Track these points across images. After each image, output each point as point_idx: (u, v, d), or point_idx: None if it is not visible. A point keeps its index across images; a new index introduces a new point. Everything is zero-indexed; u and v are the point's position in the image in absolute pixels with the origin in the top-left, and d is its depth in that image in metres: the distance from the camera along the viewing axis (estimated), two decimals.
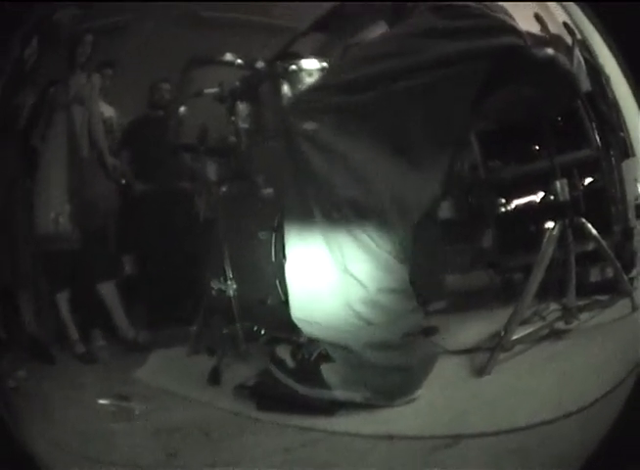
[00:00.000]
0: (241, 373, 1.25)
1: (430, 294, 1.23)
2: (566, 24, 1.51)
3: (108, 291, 1.34)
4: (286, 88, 1.21)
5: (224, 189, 1.24)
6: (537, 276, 1.28)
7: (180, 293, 1.26)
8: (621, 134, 1.52)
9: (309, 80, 1.22)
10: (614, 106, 1.52)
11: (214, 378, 1.24)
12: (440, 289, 1.25)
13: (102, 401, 1.37)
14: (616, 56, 1.63)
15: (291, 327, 1.20)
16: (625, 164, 1.50)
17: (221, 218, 1.23)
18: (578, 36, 1.52)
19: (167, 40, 1.31)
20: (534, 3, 1.47)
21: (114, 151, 1.32)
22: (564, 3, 1.55)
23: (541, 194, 1.30)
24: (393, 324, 1.21)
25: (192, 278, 1.26)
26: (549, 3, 1.51)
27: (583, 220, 1.33)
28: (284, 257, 1.20)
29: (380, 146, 1.19)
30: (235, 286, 1.22)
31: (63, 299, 1.39)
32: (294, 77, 1.21)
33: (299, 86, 1.22)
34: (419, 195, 1.20)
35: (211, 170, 1.24)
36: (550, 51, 1.39)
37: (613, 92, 1.54)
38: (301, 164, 1.19)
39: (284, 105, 1.22)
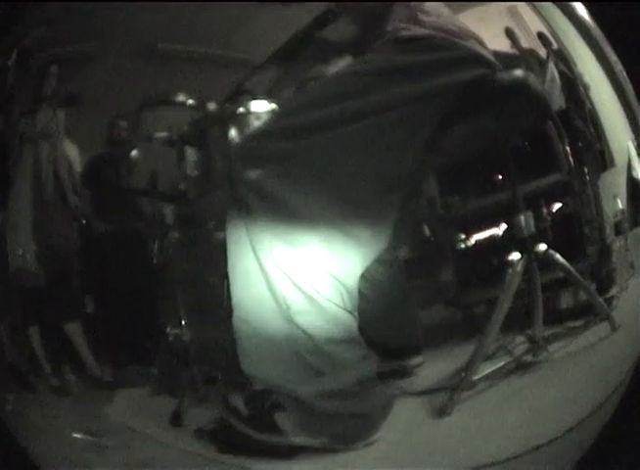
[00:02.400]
0: (201, 416, 1.25)
1: (386, 339, 1.21)
2: (540, 35, 1.45)
3: (73, 329, 1.34)
4: (233, 133, 1.19)
5: (176, 235, 1.22)
6: (501, 313, 1.25)
7: (140, 335, 1.26)
8: (598, 146, 1.46)
9: (257, 124, 1.19)
10: (591, 118, 1.46)
11: (176, 420, 1.25)
12: (397, 335, 1.23)
13: (75, 435, 1.39)
14: (601, 60, 1.57)
15: (243, 375, 1.19)
16: (603, 180, 1.45)
17: (174, 264, 1.22)
18: (554, 46, 1.45)
19: (128, 75, 1.29)
20: (507, 17, 1.42)
21: (75, 189, 1.31)
22: (542, 5, 1.49)
23: (505, 227, 1.26)
24: (345, 373, 1.19)
25: (150, 321, 1.26)
26: (524, 14, 1.45)
27: (551, 252, 1.29)
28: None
29: (324, 194, 1.17)
30: (190, 332, 1.22)
31: (34, 333, 1.40)
32: (242, 121, 1.19)
33: (247, 131, 1.19)
34: (365, 245, 1.17)
35: (163, 215, 1.23)
36: (519, 73, 1.34)
37: (592, 102, 1.48)
38: (245, 213, 1.17)
39: (230, 152, 1.20)
